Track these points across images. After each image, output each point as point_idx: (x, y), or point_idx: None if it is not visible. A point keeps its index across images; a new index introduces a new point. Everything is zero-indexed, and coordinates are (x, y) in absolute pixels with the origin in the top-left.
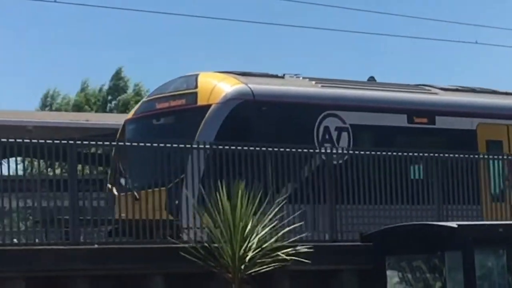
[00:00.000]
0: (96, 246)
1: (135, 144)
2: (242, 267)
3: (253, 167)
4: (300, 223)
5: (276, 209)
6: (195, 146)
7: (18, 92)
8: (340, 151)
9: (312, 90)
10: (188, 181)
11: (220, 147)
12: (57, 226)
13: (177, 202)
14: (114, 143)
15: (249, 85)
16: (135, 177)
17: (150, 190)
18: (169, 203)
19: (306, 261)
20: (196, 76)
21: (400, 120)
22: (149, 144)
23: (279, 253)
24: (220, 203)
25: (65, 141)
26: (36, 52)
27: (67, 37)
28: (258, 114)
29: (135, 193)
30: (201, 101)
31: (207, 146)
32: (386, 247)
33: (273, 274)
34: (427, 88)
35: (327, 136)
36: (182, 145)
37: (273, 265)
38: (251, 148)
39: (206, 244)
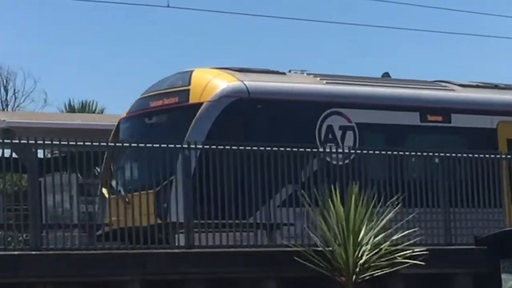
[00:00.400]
0: (209, 249)
1: (112, 144)
2: (356, 270)
3: (256, 167)
4: (416, 228)
5: (391, 213)
6: (179, 146)
7: None
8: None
9: (314, 87)
10: (178, 183)
11: (214, 146)
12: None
13: (165, 205)
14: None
15: (245, 82)
16: (125, 179)
17: (138, 193)
18: (157, 207)
19: (421, 263)
20: (191, 72)
21: (412, 119)
22: (127, 145)
23: (396, 255)
24: (332, 207)
25: None
26: None
27: None
28: (253, 112)
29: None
30: (193, 99)
31: (194, 146)
32: (501, 250)
33: (387, 277)
34: (444, 84)
35: (330, 136)
36: (165, 145)
37: (388, 269)
38: (261, 147)
39: (320, 248)
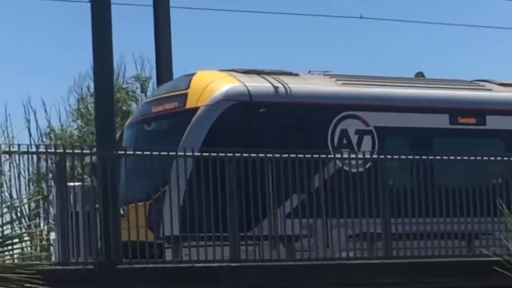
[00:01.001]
0: (405, 260)
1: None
2: None
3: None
4: None
5: None
6: (173, 153)
7: None
8: None
9: (326, 89)
10: (172, 193)
11: (206, 154)
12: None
13: (159, 217)
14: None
15: (247, 84)
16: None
17: (133, 205)
18: (149, 218)
19: None
20: (192, 75)
21: (440, 121)
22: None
23: None
24: None
25: None
26: None
27: None
28: (255, 117)
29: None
30: (190, 104)
31: (187, 153)
32: None
33: None
34: (481, 84)
35: (344, 141)
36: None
37: None
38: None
39: None
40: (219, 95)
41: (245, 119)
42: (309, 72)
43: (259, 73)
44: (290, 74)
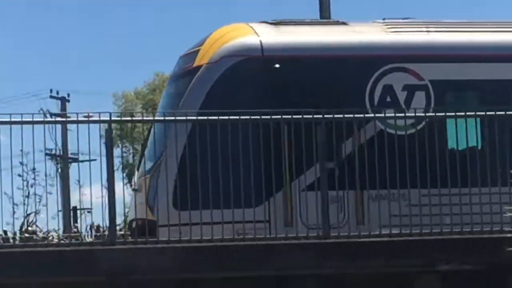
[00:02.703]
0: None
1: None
2: None
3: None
4: None
5: None
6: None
7: None
8: None
9: (368, 39)
10: (167, 163)
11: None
12: None
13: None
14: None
15: (262, 38)
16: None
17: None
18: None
19: None
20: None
21: None
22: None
23: None
24: None
25: None
26: None
27: None
28: (268, 74)
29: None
30: (196, 62)
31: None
32: None
33: None
34: None
35: (388, 99)
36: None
37: None
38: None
39: None
40: (223, 51)
41: (254, 77)
42: (383, 19)
43: (295, 23)
44: (336, 23)
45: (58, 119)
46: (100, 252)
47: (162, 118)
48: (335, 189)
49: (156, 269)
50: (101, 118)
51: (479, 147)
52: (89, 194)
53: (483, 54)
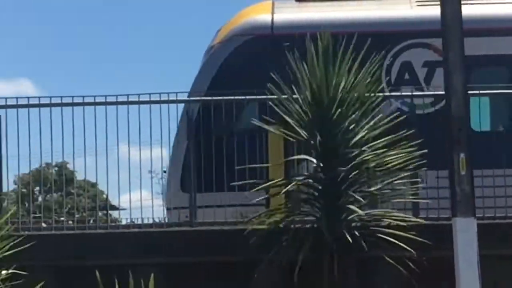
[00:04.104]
0: None
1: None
2: None
3: None
4: None
5: None
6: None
7: None
8: None
9: (388, 14)
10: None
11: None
12: None
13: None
14: None
15: (275, 15)
16: None
17: None
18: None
19: None
20: None
21: None
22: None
23: None
24: None
25: None
26: None
27: None
28: (277, 53)
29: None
30: (215, 40)
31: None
32: None
33: None
34: None
35: (407, 76)
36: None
37: None
38: None
39: None
40: (234, 30)
41: (263, 56)
42: None
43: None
44: None
45: None
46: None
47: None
48: None
49: None
50: None
51: None
52: None
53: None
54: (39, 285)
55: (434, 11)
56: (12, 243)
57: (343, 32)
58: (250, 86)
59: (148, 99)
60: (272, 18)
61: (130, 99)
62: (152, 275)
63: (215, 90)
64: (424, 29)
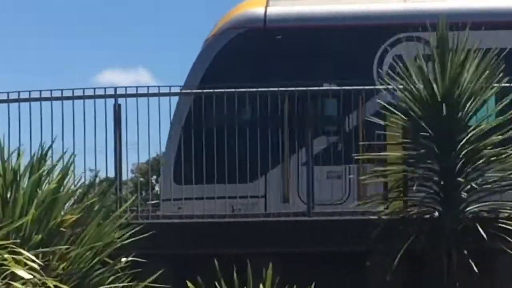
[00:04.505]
0: None
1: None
2: None
3: None
4: None
5: None
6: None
7: None
8: None
9: (380, 7)
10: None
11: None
12: None
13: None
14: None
15: (269, 9)
16: None
17: None
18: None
19: None
20: None
21: None
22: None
23: None
24: None
25: None
26: None
27: None
28: (269, 45)
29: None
30: (211, 33)
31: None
32: None
33: None
34: None
35: (398, 70)
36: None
37: None
38: None
39: None
40: (228, 23)
41: (256, 49)
42: None
43: None
44: None
45: None
46: None
47: None
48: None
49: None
50: None
51: None
52: None
53: (505, 21)
54: (158, 273)
55: (424, 4)
56: (131, 232)
57: (333, 26)
58: (243, 78)
59: None
60: (265, 12)
61: None
62: (270, 264)
63: (208, 82)
64: (414, 22)
